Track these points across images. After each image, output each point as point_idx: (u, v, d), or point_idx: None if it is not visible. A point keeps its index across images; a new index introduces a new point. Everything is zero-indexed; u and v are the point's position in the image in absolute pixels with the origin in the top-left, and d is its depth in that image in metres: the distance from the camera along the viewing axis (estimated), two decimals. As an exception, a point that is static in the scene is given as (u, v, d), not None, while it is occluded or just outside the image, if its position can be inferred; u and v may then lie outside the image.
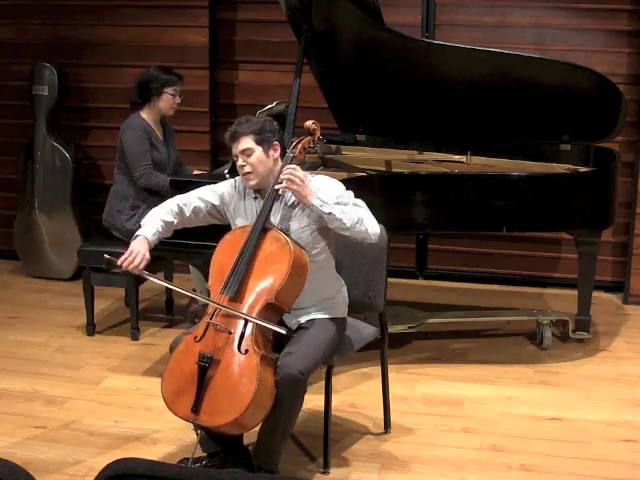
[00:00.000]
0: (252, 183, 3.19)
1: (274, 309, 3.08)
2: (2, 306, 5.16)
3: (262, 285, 3.06)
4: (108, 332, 4.77)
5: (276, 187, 3.12)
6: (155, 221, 3.24)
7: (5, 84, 5.79)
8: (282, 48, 5.34)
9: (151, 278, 3.26)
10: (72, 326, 4.82)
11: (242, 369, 2.93)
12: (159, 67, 4.66)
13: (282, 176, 3.09)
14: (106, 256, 3.14)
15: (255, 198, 3.26)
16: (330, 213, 3.06)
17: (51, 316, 4.99)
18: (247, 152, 3.16)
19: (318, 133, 3.46)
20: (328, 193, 3.13)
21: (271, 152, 3.21)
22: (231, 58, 5.67)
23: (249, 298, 3.05)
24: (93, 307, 4.69)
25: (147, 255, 3.14)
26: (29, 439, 3.59)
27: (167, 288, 5.01)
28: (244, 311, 3.03)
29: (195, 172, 4.88)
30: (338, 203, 3.08)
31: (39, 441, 3.57)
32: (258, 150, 3.17)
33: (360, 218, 3.09)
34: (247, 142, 3.16)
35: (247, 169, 3.17)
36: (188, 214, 3.30)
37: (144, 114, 4.60)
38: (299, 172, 3.08)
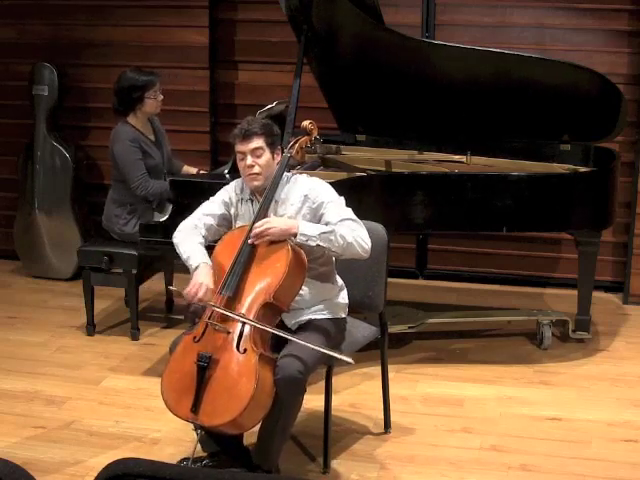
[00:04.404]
0: (257, 184, 3.18)
1: (272, 308, 3.07)
2: (2, 306, 5.16)
3: (260, 284, 3.06)
4: (108, 332, 4.77)
5: (249, 242, 3.08)
6: (197, 246, 3.21)
7: (5, 84, 5.80)
8: (282, 48, 5.34)
9: (219, 310, 3.05)
10: (72, 326, 4.82)
11: (241, 368, 2.93)
12: (133, 71, 4.58)
13: (254, 240, 3.06)
14: (171, 287, 3.11)
15: (251, 201, 3.26)
16: (317, 245, 3.06)
17: (51, 316, 4.99)
18: (258, 152, 3.15)
19: (315, 133, 3.48)
20: (319, 196, 3.16)
21: (275, 156, 3.22)
22: (231, 58, 5.67)
23: (247, 297, 3.05)
24: (93, 307, 4.69)
25: (211, 285, 3.09)
26: (29, 439, 3.59)
27: (167, 288, 5.01)
28: (243, 311, 3.02)
29: (185, 167, 4.87)
30: (324, 232, 3.05)
31: (39, 441, 3.57)
32: (267, 152, 3.18)
33: (349, 242, 3.06)
34: (259, 142, 3.16)
35: (256, 169, 3.16)
36: (204, 233, 3.28)
37: (131, 120, 4.57)
38: (260, 227, 3.05)
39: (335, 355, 3.05)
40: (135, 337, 4.65)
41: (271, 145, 3.19)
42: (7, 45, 5.77)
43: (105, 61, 5.63)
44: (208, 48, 5.57)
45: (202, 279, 3.10)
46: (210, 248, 3.26)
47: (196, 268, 3.15)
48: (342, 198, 3.21)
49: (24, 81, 5.57)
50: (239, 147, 3.18)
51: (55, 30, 5.69)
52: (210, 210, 3.31)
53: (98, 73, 5.64)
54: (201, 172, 4.87)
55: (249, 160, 3.16)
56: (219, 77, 5.69)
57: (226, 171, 4.25)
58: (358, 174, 4.37)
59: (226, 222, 3.33)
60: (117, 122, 4.62)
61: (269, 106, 4.27)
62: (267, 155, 3.18)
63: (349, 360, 3.03)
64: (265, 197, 3.18)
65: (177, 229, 3.32)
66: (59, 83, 5.52)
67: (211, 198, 3.36)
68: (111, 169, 4.65)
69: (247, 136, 3.15)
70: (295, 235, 3.06)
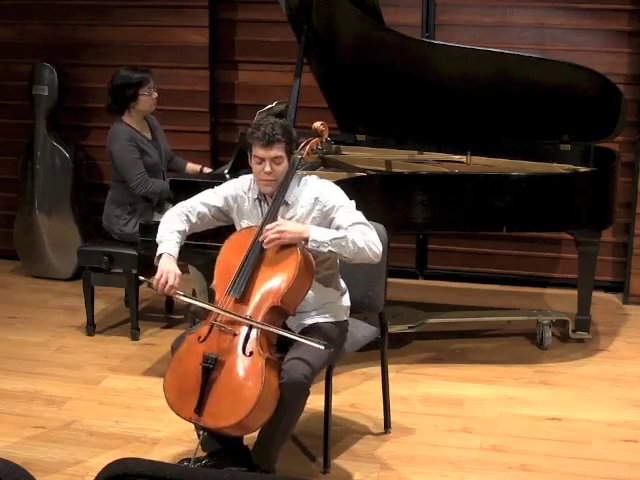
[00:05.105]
0: (271, 189, 3.16)
1: (279, 312, 3.06)
2: (2, 306, 5.16)
3: (268, 287, 3.04)
4: (108, 332, 4.77)
5: (263, 245, 3.06)
6: (171, 234, 3.19)
7: (5, 84, 5.80)
8: (282, 48, 5.34)
9: (186, 299, 3.11)
10: (72, 326, 4.82)
11: (247, 371, 2.92)
12: (126, 69, 4.57)
13: (266, 244, 3.04)
14: (141, 277, 3.14)
15: (259, 201, 3.23)
16: (329, 251, 3.04)
17: (51, 316, 4.99)
18: (278, 160, 3.11)
19: (326, 134, 3.45)
20: (330, 199, 3.14)
21: (290, 161, 3.19)
22: (231, 58, 5.67)
23: (255, 300, 3.03)
24: (93, 307, 4.69)
25: (177, 271, 3.10)
26: (29, 439, 3.59)
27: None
28: (249, 313, 3.01)
29: (189, 164, 4.87)
30: (336, 238, 3.02)
31: (39, 441, 3.57)
32: (285, 160, 3.14)
33: (361, 248, 3.03)
34: (280, 150, 3.10)
35: (274, 177, 3.12)
36: (194, 220, 3.26)
37: (127, 119, 4.55)
38: (273, 230, 3.03)
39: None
40: (135, 337, 4.65)
41: (289, 152, 3.16)
42: (7, 45, 5.77)
43: (105, 61, 5.62)
44: (208, 48, 5.57)
45: (167, 267, 3.10)
46: (212, 248, 3.26)
47: (159, 257, 3.15)
48: (353, 202, 3.18)
49: (24, 81, 5.57)
50: (259, 152, 3.11)
51: (55, 30, 5.69)
52: (209, 200, 3.29)
53: (98, 73, 5.63)
54: (205, 169, 4.86)
55: (267, 167, 3.11)
56: (219, 77, 5.69)
57: (226, 171, 4.24)
58: (358, 174, 4.37)
59: (222, 215, 3.31)
60: (114, 122, 4.62)
61: (269, 106, 4.27)
62: (285, 163, 3.14)
63: (320, 346, 2.93)
64: (275, 199, 3.15)
65: (172, 207, 3.33)
66: (59, 83, 5.53)
67: (215, 188, 3.33)
68: (111, 169, 4.65)
69: (271, 142, 3.08)
70: (307, 240, 3.03)
